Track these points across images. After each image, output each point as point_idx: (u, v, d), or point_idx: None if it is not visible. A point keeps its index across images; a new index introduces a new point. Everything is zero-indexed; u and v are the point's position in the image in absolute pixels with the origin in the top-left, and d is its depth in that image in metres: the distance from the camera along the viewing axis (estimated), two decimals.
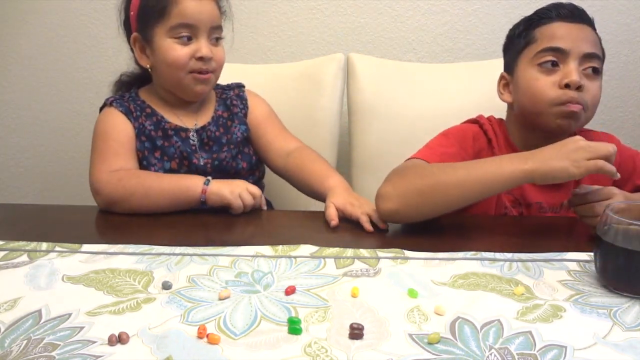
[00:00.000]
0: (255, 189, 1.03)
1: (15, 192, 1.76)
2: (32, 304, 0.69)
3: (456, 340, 0.63)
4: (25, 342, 0.61)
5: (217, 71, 1.15)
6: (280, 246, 0.85)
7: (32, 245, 0.85)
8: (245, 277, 0.76)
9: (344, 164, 1.48)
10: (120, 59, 1.63)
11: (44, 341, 0.61)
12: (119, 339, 0.61)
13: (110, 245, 0.85)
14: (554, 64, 0.99)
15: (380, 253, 0.84)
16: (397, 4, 1.64)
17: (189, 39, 1.09)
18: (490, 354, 0.60)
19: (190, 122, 1.17)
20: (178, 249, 0.84)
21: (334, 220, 0.96)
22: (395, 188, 0.91)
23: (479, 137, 1.07)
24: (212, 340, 0.61)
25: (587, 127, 1.07)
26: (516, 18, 1.10)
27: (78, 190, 1.75)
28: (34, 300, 0.69)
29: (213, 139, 1.17)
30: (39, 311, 0.67)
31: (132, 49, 1.16)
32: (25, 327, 0.64)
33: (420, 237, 0.89)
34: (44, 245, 0.85)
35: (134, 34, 1.13)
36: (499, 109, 1.15)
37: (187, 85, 1.12)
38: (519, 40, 1.05)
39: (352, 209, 0.97)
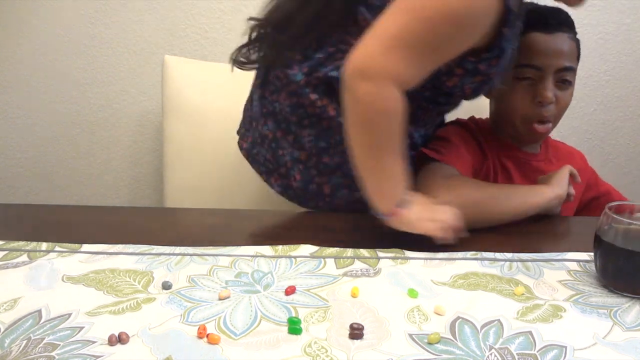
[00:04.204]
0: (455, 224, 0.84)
1: (15, 192, 1.75)
2: (32, 304, 0.69)
3: (456, 340, 0.63)
4: (25, 342, 0.61)
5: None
6: (280, 246, 0.85)
7: (32, 245, 0.85)
8: (245, 277, 0.76)
9: None
10: (120, 58, 1.64)
11: (44, 341, 0.61)
12: (119, 339, 0.61)
13: (110, 245, 0.85)
14: (529, 78, 1.01)
15: (380, 253, 0.84)
16: None
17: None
18: (491, 354, 0.60)
19: None
20: (178, 249, 0.84)
21: None
22: (457, 197, 0.89)
23: (468, 135, 1.10)
24: (212, 340, 0.61)
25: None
26: None
27: (78, 190, 1.75)
28: (34, 300, 0.69)
29: None
30: (39, 311, 0.67)
31: None
32: (25, 327, 0.64)
33: (420, 237, 0.89)
34: (44, 245, 0.85)
35: None
36: None
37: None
38: None
39: None
